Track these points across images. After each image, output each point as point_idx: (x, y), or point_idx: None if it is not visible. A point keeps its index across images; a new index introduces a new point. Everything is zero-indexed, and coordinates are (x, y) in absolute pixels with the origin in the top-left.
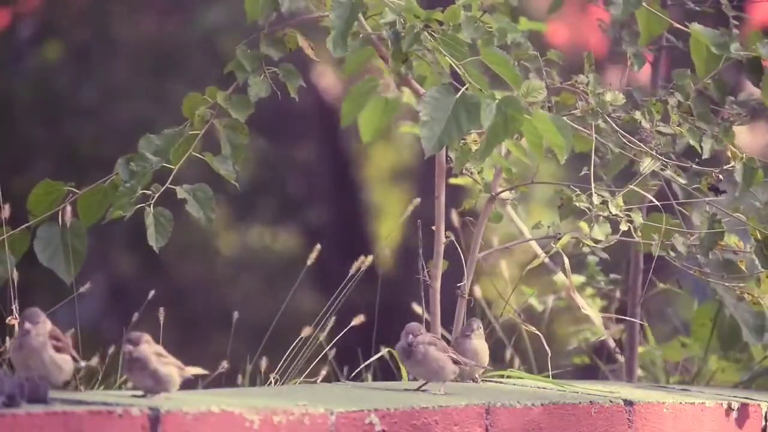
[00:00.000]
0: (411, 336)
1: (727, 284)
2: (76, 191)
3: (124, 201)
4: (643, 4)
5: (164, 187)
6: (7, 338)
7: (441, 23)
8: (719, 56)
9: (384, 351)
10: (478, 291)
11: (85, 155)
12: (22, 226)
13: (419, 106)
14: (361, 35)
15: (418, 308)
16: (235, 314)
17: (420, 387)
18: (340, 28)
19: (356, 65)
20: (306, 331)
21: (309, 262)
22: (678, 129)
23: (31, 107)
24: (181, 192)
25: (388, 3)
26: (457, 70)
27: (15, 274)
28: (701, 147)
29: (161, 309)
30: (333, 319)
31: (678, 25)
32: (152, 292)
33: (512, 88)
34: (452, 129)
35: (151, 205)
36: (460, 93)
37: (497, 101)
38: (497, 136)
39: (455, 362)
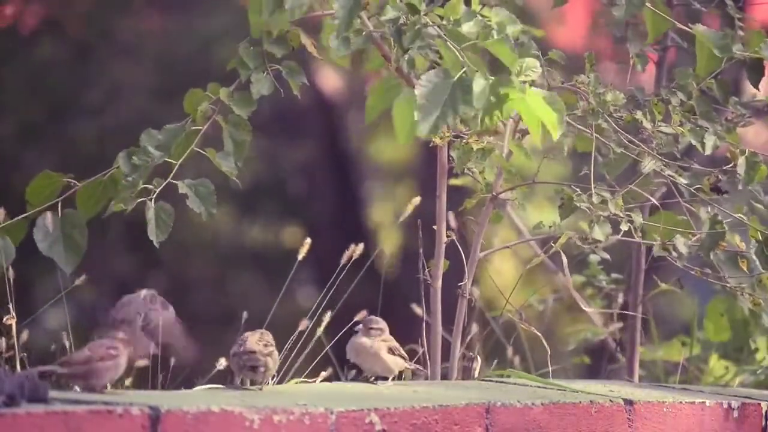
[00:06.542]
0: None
1: (728, 285)
2: (76, 182)
3: (125, 194)
4: (647, 4)
5: (166, 182)
6: (3, 338)
7: (441, 18)
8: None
9: None
10: (478, 291)
11: (87, 153)
12: (20, 216)
13: (416, 89)
14: (363, 33)
15: (418, 308)
16: (245, 314)
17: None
18: (343, 17)
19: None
20: (303, 324)
21: (300, 257)
22: (679, 129)
23: (32, 104)
24: (182, 187)
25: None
26: (458, 56)
27: (11, 273)
28: (703, 145)
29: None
30: (329, 313)
31: (681, 26)
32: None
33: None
34: (448, 112)
35: (153, 200)
36: (457, 76)
37: (490, 81)
38: (491, 115)
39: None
